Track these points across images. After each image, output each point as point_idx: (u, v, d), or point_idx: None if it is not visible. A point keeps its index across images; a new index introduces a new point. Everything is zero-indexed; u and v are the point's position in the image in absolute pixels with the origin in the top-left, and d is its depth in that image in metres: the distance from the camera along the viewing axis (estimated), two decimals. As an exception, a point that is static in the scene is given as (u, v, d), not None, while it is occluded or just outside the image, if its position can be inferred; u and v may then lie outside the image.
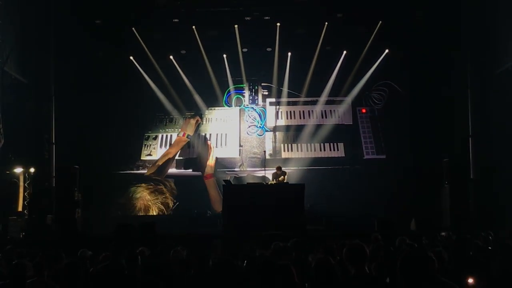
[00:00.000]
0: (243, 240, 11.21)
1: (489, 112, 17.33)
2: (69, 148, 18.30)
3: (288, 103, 21.33)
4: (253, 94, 21.41)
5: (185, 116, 21.17)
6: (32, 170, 17.12)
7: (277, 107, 21.31)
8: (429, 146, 18.95)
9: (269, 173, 17.77)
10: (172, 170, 20.83)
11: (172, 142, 21.01)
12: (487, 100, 17.38)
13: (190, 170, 20.85)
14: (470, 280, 5.82)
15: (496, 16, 17.21)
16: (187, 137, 20.84)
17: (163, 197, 20.40)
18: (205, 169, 20.68)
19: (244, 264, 7.56)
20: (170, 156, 20.75)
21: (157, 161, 20.73)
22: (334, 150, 20.75)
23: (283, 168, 17.50)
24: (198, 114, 21.17)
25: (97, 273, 7.03)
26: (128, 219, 17.55)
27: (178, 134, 21.01)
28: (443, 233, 10.88)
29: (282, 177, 16.60)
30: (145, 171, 20.70)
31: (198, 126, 21.12)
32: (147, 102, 21.03)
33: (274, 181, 16.61)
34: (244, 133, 21.18)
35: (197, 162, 20.83)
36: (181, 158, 20.98)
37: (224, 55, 20.54)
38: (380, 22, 19.16)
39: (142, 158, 20.93)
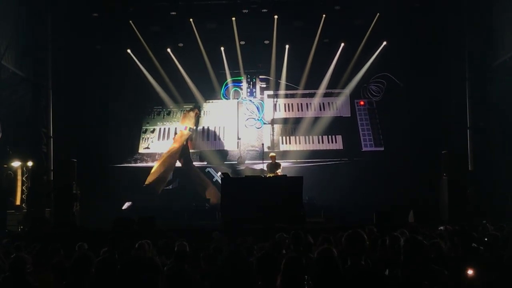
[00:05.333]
0: (242, 232, 11.20)
1: (487, 104, 17.32)
2: (67, 141, 18.30)
3: (286, 96, 21.33)
4: (251, 86, 21.42)
5: (183, 109, 21.16)
6: (30, 163, 17.11)
7: (275, 99, 21.30)
8: (427, 138, 18.96)
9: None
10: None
11: (174, 137, 20.97)
12: (486, 92, 17.37)
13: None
14: (470, 272, 5.83)
15: (493, 8, 17.20)
16: (188, 130, 20.80)
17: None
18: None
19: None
20: (174, 152, 20.65)
21: (159, 164, 20.62)
22: (332, 142, 20.75)
23: (278, 161, 17.41)
24: (196, 106, 21.14)
25: (94, 267, 7.03)
26: (127, 212, 17.51)
27: (179, 129, 20.97)
28: (441, 227, 10.87)
29: (279, 170, 16.54)
30: (143, 164, 20.69)
31: (197, 118, 21.09)
32: (145, 95, 21.04)
33: (272, 174, 16.51)
34: (242, 126, 21.17)
35: (199, 155, 20.98)
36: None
37: (222, 48, 20.50)
38: (378, 14, 19.09)
39: (140, 151, 20.92)
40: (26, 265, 5.91)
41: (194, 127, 20.95)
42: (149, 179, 20.34)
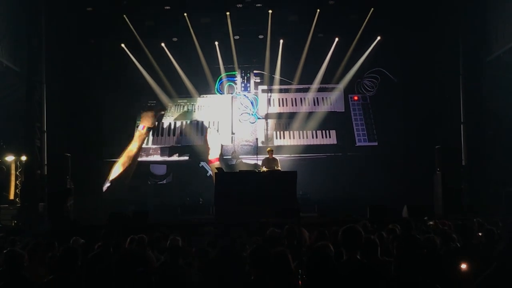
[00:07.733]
0: (236, 227, 11.21)
1: (481, 99, 17.37)
2: (60, 136, 18.24)
3: (280, 91, 21.32)
4: (245, 81, 21.39)
5: (178, 103, 21.13)
6: (23, 158, 17.07)
7: (269, 94, 21.29)
8: (421, 133, 19.00)
9: (261, 161, 17.68)
10: (164, 157, 20.81)
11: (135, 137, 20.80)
12: (479, 87, 17.42)
13: (185, 157, 20.84)
14: (463, 266, 5.85)
15: (487, 3, 17.24)
16: (146, 129, 20.67)
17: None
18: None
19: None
20: (133, 153, 20.41)
21: (119, 163, 20.38)
22: (326, 137, 20.76)
23: (274, 156, 17.39)
24: (160, 104, 21.08)
25: (88, 261, 7.04)
26: (121, 207, 17.48)
27: (137, 128, 20.84)
28: (430, 222, 10.90)
29: (276, 168, 16.51)
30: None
31: (161, 117, 21.03)
32: (139, 89, 20.99)
33: (266, 169, 16.46)
34: (236, 121, 21.15)
35: (193, 149, 20.83)
36: (171, 146, 20.96)
37: (216, 43, 20.45)
38: (372, 9, 19.10)
39: (133, 146, 20.86)
40: (22, 259, 5.90)
41: (152, 126, 20.83)
42: (113, 175, 20.26)
